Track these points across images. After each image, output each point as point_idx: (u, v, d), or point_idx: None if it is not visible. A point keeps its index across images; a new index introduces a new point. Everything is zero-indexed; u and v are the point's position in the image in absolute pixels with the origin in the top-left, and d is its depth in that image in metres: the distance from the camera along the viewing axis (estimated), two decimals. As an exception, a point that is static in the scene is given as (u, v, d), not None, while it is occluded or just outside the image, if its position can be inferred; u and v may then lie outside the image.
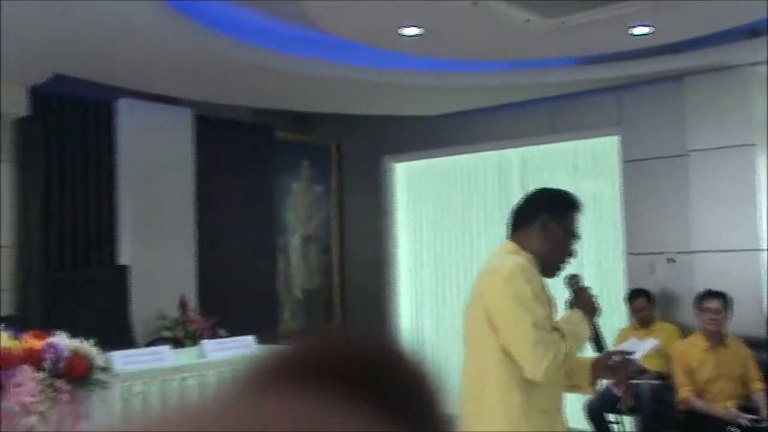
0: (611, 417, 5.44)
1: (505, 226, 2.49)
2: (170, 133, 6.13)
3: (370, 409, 0.34)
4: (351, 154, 7.70)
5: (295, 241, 7.36)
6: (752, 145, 5.53)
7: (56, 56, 4.91)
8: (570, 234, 2.39)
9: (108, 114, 5.85)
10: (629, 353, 2.50)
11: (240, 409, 0.33)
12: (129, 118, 5.91)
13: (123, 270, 5.48)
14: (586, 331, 2.36)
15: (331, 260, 7.63)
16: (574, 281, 2.50)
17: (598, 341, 2.43)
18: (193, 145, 6.24)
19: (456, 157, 7.18)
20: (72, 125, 5.71)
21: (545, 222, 2.37)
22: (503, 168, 6.93)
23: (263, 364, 0.37)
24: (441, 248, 7.38)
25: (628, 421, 5.57)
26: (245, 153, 6.75)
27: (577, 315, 2.37)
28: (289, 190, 7.34)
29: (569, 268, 2.47)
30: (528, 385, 2.25)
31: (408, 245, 7.58)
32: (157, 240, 5.93)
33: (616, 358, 2.39)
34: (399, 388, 0.36)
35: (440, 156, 7.24)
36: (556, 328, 2.28)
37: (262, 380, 0.36)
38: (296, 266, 7.35)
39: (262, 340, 4.54)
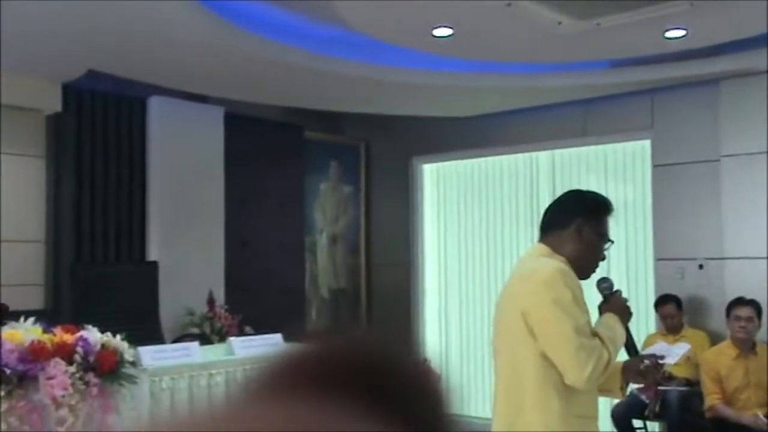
0: (638, 423, 5.39)
1: (533, 229, 2.49)
2: (201, 131, 6.18)
3: (377, 414, 0.34)
4: (380, 154, 7.71)
5: (322, 240, 7.39)
6: (786, 150, 5.45)
7: (90, 53, 4.97)
8: (603, 238, 2.38)
9: (140, 111, 5.92)
10: (660, 357, 2.48)
11: (249, 414, 0.33)
12: (160, 115, 5.97)
13: (152, 266, 5.54)
14: (622, 335, 2.34)
15: (358, 261, 7.65)
16: (606, 285, 2.48)
17: (631, 346, 2.42)
18: (223, 143, 6.29)
19: (485, 158, 7.16)
20: (105, 121, 5.78)
21: (580, 226, 2.35)
22: (533, 170, 6.89)
23: (273, 370, 0.37)
24: (468, 250, 7.36)
25: (655, 428, 5.52)
26: (275, 152, 6.79)
27: (613, 319, 2.35)
28: (317, 190, 7.37)
29: (599, 272, 2.45)
30: (567, 391, 2.22)
31: (435, 247, 7.57)
32: (186, 237, 5.98)
33: (647, 362, 2.36)
34: (407, 393, 0.37)
35: (469, 157, 7.22)
36: (595, 334, 2.25)
37: (271, 386, 0.36)
38: (323, 266, 7.37)
39: (288, 338, 4.57)
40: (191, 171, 6.08)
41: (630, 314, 2.42)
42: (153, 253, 5.84)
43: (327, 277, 7.39)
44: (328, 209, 7.46)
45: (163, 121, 5.97)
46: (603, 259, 2.40)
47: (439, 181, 7.58)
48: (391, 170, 7.63)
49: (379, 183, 7.72)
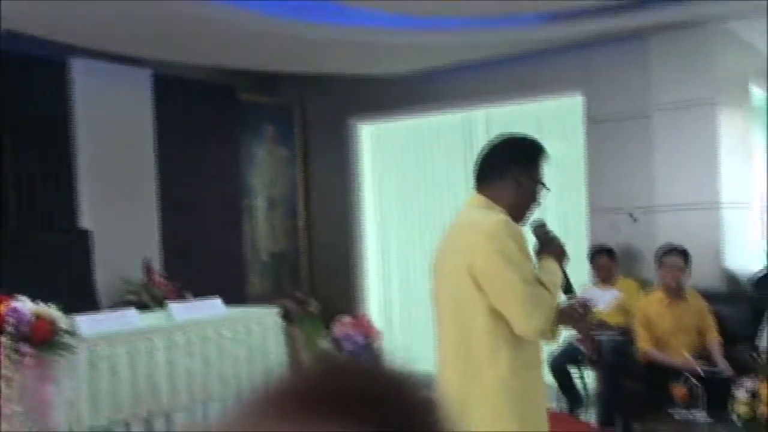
0: (574, 371, 5.56)
1: (471, 188, 2.47)
2: (128, 94, 6.02)
3: None
4: (316, 116, 7.65)
5: (260, 204, 7.33)
6: (714, 102, 5.60)
7: (5, 11, 4.76)
8: (539, 184, 2.40)
9: (63, 73, 5.71)
10: (590, 302, 2.54)
11: None
12: (84, 78, 5.78)
13: (84, 234, 5.41)
14: (560, 278, 2.38)
15: (297, 223, 7.62)
16: (541, 229, 2.51)
17: (567, 287, 2.45)
18: (152, 107, 6.14)
19: (421, 118, 7.18)
20: (25, 85, 5.55)
21: (517, 175, 2.35)
22: (469, 129, 6.95)
23: (265, 397, 0.38)
24: (407, 209, 7.41)
25: (591, 375, 5.70)
26: (208, 115, 6.67)
27: (551, 263, 2.37)
28: (253, 153, 7.28)
29: (534, 216, 2.48)
30: (516, 342, 2.23)
31: (374, 207, 7.60)
32: (119, 204, 5.86)
33: (577, 307, 2.41)
34: (398, 418, 0.37)
35: (406, 117, 7.22)
36: (538, 281, 2.27)
37: (263, 414, 0.37)
38: (262, 229, 7.33)
39: (229, 302, 4.55)
40: (120, 136, 5.93)
41: (566, 255, 2.46)
42: (85, 221, 5.70)
43: (266, 241, 7.35)
44: (265, 172, 7.39)
45: (87, 84, 5.79)
46: (539, 204, 2.42)
47: (377, 142, 7.58)
48: (328, 132, 7.58)
49: (317, 145, 7.68)
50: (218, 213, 6.71)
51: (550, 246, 2.44)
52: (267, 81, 7.32)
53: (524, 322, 2.20)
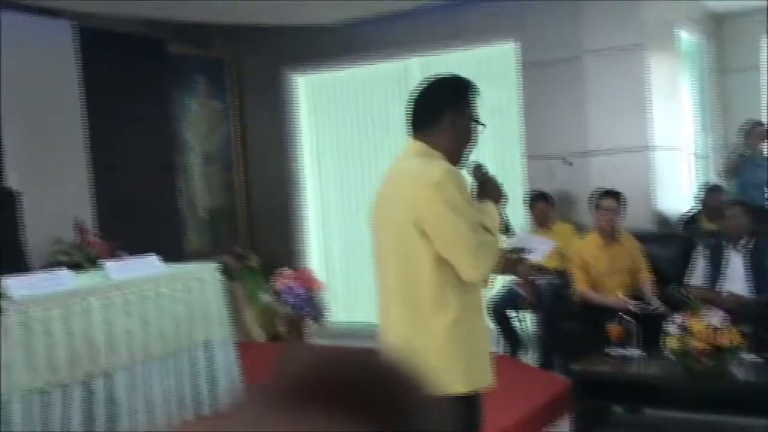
0: (514, 314, 5.67)
1: (408, 124, 2.42)
2: (53, 49, 5.78)
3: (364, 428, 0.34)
4: (249, 67, 7.49)
5: (195, 159, 7.19)
6: (644, 44, 5.68)
7: None
8: (474, 122, 2.38)
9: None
10: (522, 250, 2.57)
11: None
12: (7, 32, 5.51)
13: (11, 195, 5.22)
14: (500, 221, 2.39)
15: (234, 178, 7.51)
16: (478, 171, 2.51)
17: (507, 228, 2.47)
18: (79, 62, 5.91)
19: (357, 68, 7.10)
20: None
21: (452, 118, 2.33)
22: (405, 78, 6.90)
23: (261, 392, 0.38)
24: (346, 160, 7.36)
25: (530, 317, 5.83)
26: (137, 69, 6.46)
27: (491, 207, 2.38)
28: (185, 107, 7.10)
29: (472, 157, 2.47)
30: (461, 289, 2.25)
31: (312, 159, 7.53)
32: (48, 163, 5.66)
33: (511, 255, 2.44)
34: (390, 407, 0.37)
35: (342, 68, 7.13)
36: (482, 226, 2.28)
37: (261, 407, 0.36)
38: (198, 185, 7.20)
39: (166, 260, 4.47)
40: (47, 93, 5.70)
41: (504, 196, 2.47)
42: (12, 182, 5.49)
43: (203, 196, 7.23)
44: (198, 127, 7.23)
45: (10, 38, 5.52)
46: (476, 142, 2.42)
47: (313, 93, 7.48)
48: (262, 84, 7.44)
49: (251, 97, 7.53)
50: (152, 169, 6.55)
51: (487, 187, 2.45)
52: (197, 33, 7.11)
53: (473, 269, 2.22)
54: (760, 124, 6.09)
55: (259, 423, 0.34)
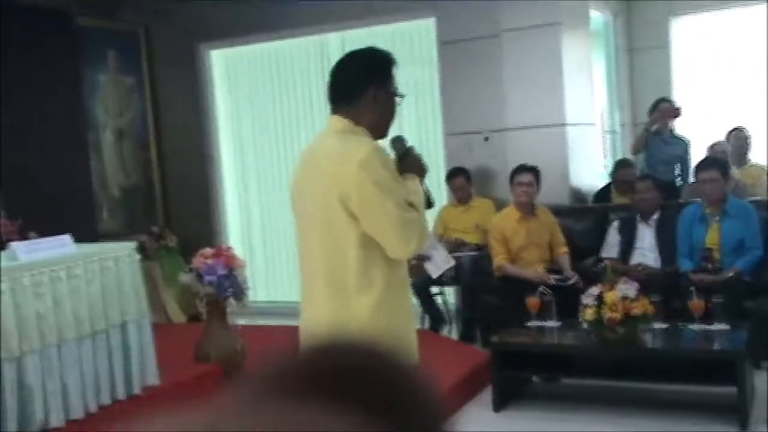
0: (435, 289, 5.74)
1: (327, 113, 2.40)
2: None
3: (364, 418, 0.34)
4: (162, 41, 7.27)
5: (107, 136, 6.95)
6: (558, 23, 5.78)
7: None
8: (396, 95, 2.37)
9: None
10: (427, 258, 2.58)
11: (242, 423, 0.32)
12: None
13: None
14: (422, 195, 2.40)
15: (148, 155, 7.30)
16: (399, 144, 2.51)
17: (428, 201, 2.49)
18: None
19: (275, 43, 6.99)
20: None
21: (375, 93, 2.31)
22: (324, 53, 6.84)
23: (259, 378, 0.36)
24: (264, 137, 7.26)
25: (450, 292, 5.92)
26: (43, 42, 6.17)
27: (414, 182, 2.37)
28: (96, 82, 6.85)
29: (392, 132, 2.47)
30: (387, 265, 2.24)
31: (230, 135, 7.39)
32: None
33: (411, 261, 2.44)
34: (390, 396, 0.36)
35: (259, 42, 7.01)
36: (409, 203, 2.27)
37: (259, 394, 0.35)
38: (110, 163, 6.97)
39: (79, 240, 4.31)
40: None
41: (425, 170, 2.48)
42: None
43: (116, 174, 7.01)
44: (110, 103, 6.98)
45: None
46: (395, 115, 2.40)
47: (229, 68, 7.33)
48: (176, 58, 7.24)
49: (165, 72, 7.32)
50: (62, 147, 6.30)
51: (408, 160, 2.45)
52: (106, 4, 6.85)
53: (402, 247, 2.22)
54: (667, 101, 6.32)
55: (255, 412, 0.33)
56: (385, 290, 2.24)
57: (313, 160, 2.34)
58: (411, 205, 2.28)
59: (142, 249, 5.04)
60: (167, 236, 6.90)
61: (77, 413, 3.82)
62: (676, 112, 6.08)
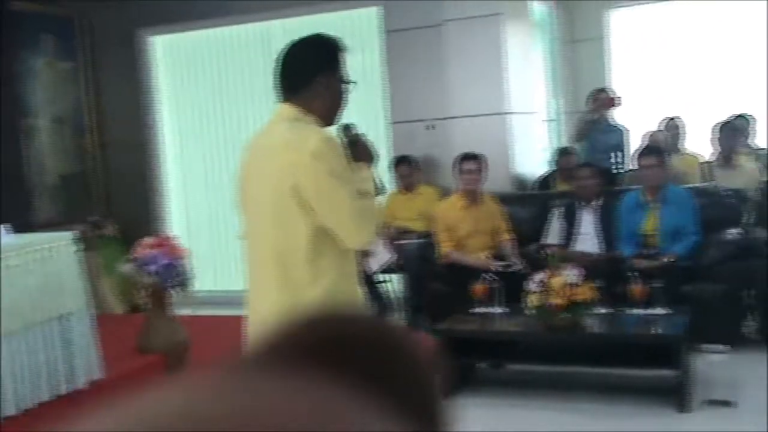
0: (380, 277, 5.75)
1: (272, 100, 2.35)
2: None
3: (370, 391, 0.33)
4: (102, 26, 7.07)
5: (43, 123, 6.73)
6: (501, 14, 5.83)
7: None
8: (346, 82, 2.34)
9: None
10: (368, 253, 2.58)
11: (246, 396, 0.31)
12: None
13: None
14: (373, 182, 2.39)
15: (87, 143, 7.10)
16: (349, 131, 2.50)
17: (378, 187, 2.48)
18: None
19: (219, 29, 6.87)
20: None
21: (325, 81, 2.27)
22: (267, 40, 6.76)
23: (257, 350, 0.35)
24: (208, 124, 7.15)
25: (396, 279, 5.94)
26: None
27: (364, 170, 2.36)
28: (31, 68, 6.62)
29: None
30: (338, 255, 2.22)
31: (172, 122, 7.25)
32: None
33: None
34: (390, 366, 0.35)
35: (202, 28, 6.88)
36: (361, 191, 2.25)
37: (258, 366, 0.34)
38: (48, 150, 6.75)
39: (16, 229, 4.17)
40: None
41: (375, 157, 2.47)
42: None
43: (53, 162, 6.80)
44: (46, 89, 6.76)
45: None
46: (346, 102, 2.38)
47: (171, 54, 7.18)
48: (116, 43, 7.06)
49: (105, 58, 7.13)
50: (-6, 134, 6.08)
51: (358, 148, 2.44)
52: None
53: (356, 237, 2.21)
54: (606, 91, 6.44)
55: (258, 387, 0.32)
56: (334, 283, 2.22)
57: (262, 150, 2.30)
58: (363, 193, 2.27)
59: (80, 238, 4.91)
60: (106, 225, 6.74)
61: (9, 410, 3.70)
62: (613, 102, 6.21)
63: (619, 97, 6.28)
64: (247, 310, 2.34)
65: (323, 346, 0.35)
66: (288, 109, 2.28)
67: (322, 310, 0.37)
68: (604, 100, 6.20)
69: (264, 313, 2.25)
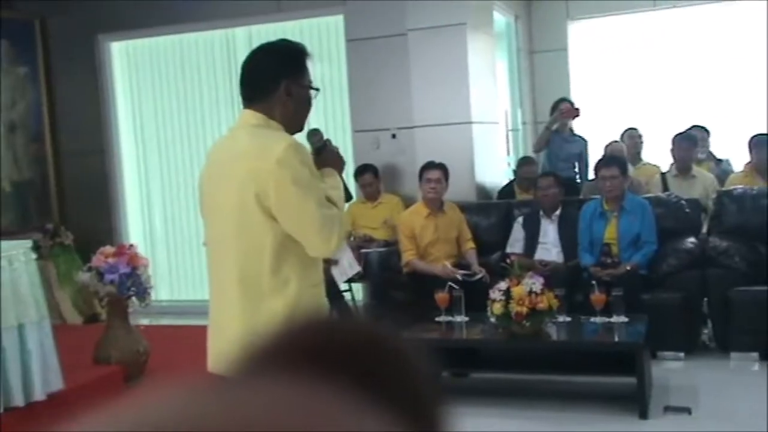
0: (343, 286, 5.73)
1: (234, 108, 2.35)
2: None
3: (367, 396, 0.33)
4: (59, 31, 6.95)
5: (-3, 129, 6.59)
6: (464, 24, 5.88)
7: None
8: (310, 88, 2.32)
9: None
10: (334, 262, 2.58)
11: (241, 400, 0.30)
12: None
13: None
14: (342, 190, 2.38)
15: (43, 150, 6.97)
16: (317, 137, 2.48)
17: (347, 194, 2.47)
18: None
19: (179, 36, 6.81)
20: None
21: (288, 87, 2.24)
22: (229, 48, 6.72)
23: (258, 352, 0.35)
24: (167, 133, 7.07)
25: (358, 288, 5.93)
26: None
27: (333, 177, 2.35)
28: (-15, 72, 6.48)
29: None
30: (303, 263, 2.20)
31: (131, 131, 7.15)
32: None
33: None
34: (394, 373, 0.35)
35: (163, 35, 6.81)
36: (327, 199, 2.24)
37: (256, 369, 0.34)
38: (2, 156, 6.61)
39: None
40: None
41: (343, 163, 2.46)
42: None
43: (7, 168, 6.65)
44: (1, 93, 6.62)
45: None
46: (311, 108, 2.36)
47: (130, 61, 7.09)
48: (74, 49, 6.94)
49: (62, 63, 7.00)
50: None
51: (326, 154, 2.42)
52: (-3, -10, 6.49)
53: (322, 245, 2.18)
54: (567, 101, 6.53)
55: (236, 394, 0.31)
56: (298, 293, 2.19)
57: (224, 157, 2.27)
58: (330, 200, 2.25)
59: (36, 247, 4.80)
60: (62, 234, 6.61)
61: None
62: (575, 112, 6.29)
63: (579, 108, 6.37)
64: (210, 320, 2.31)
65: (317, 351, 0.34)
66: (252, 116, 2.26)
67: (313, 316, 0.37)
68: (565, 110, 6.28)
69: (226, 323, 2.22)
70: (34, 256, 4.17)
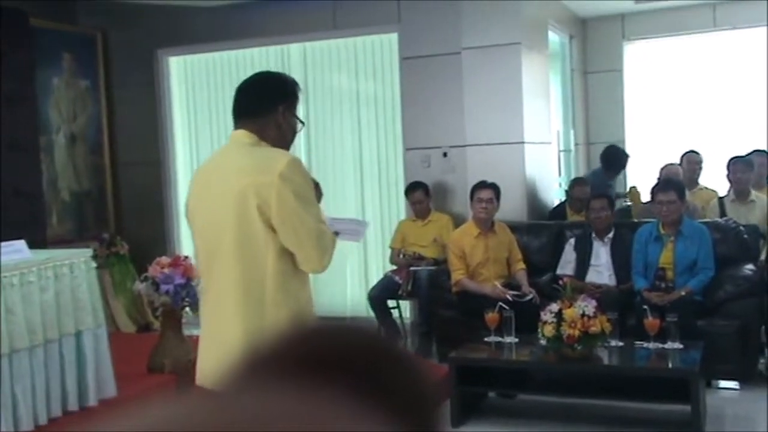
0: (392, 303, 5.74)
1: (236, 114, 2.44)
2: None
3: (366, 400, 0.33)
4: (120, 46, 7.14)
5: (59, 140, 6.78)
6: (519, 43, 5.87)
7: None
8: (297, 119, 2.44)
9: None
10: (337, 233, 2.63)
11: (241, 406, 0.31)
12: None
13: None
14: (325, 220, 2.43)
15: (101, 161, 7.15)
16: None
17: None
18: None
19: (235, 51, 6.93)
20: None
21: (283, 112, 2.37)
22: (284, 63, 6.81)
23: (256, 359, 0.36)
24: (220, 146, 7.18)
25: (407, 306, 5.93)
26: (-4, 41, 6.00)
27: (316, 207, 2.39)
28: (50, 85, 6.68)
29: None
30: (300, 278, 2.28)
31: (185, 144, 7.29)
32: None
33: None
34: (391, 378, 0.36)
35: (218, 50, 6.94)
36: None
37: (257, 376, 0.35)
38: (62, 167, 6.80)
39: (30, 244, 4.19)
40: None
41: (321, 194, 2.45)
42: None
43: (67, 179, 6.84)
44: (63, 106, 6.82)
45: None
46: (295, 137, 2.46)
47: (187, 75, 7.23)
48: (133, 63, 7.12)
49: (121, 77, 7.19)
50: (12, 149, 6.11)
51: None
52: (63, 7, 6.70)
53: (318, 261, 2.25)
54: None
55: (238, 399, 0.32)
56: (299, 305, 2.26)
57: (218, 175, 2.34)
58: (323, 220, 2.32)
59: (93, 256, 4.92)
60: (118, 243, 6.75)
61: (26, 425, 3.69)
62: None
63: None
64: (203, 330, 2.38)
65: (315, 358, 0.35)
66: (245, 135, 2.36)
67: (314, 323, 0.38)
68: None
69: (226, 336, 2.25)
70: (94, 264, 4.27)
